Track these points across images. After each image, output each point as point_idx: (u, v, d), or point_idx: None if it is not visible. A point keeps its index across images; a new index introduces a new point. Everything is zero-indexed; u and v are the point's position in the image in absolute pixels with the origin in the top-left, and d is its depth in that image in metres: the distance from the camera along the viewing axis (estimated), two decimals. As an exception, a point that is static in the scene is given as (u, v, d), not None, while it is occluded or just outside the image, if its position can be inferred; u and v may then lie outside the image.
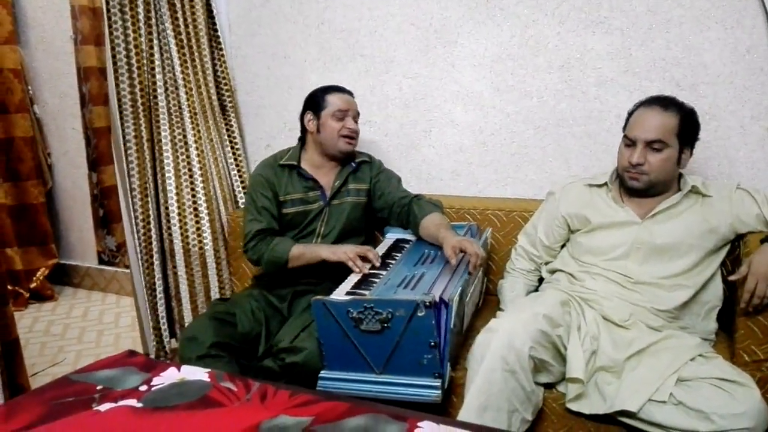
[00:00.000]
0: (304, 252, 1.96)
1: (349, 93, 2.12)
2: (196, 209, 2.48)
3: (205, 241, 2.50)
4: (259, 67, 2.69)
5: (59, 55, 3.35)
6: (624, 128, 1.78)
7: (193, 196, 2.48)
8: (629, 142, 1.73)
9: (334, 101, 2.06)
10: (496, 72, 2.26)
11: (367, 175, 2.15)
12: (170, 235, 2.47)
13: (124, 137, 2.36)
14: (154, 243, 2.46)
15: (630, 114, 1.78)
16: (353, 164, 2.13)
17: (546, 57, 2.17)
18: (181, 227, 2.46)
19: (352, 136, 2.06)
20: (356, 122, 2.09)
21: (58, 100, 3.43)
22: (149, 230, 2.44)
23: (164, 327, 2.53)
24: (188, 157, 2.47)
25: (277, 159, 2.12)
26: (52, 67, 3.40)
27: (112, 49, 2.29)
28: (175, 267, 2.50)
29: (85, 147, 3.40)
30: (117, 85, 2.32)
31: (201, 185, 2.48)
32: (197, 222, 2.49)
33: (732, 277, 1.64)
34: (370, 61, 2.46)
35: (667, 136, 1.67)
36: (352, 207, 2.10)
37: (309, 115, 2.09)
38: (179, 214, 2.45)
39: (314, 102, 2.09)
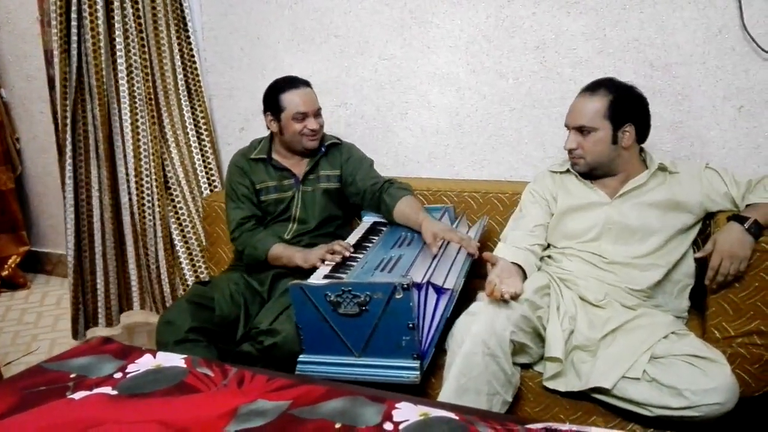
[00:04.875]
0: (282, 255, 1.97)
1: (305, 84, 2.07)
2: (140, 193, 2.53)
3: (148, 225, 2.55)
4: (231, 48, 2.64)
5: (25, 36, 3.25)
6: None
7: (139, 179, 2.52)
8: (567, 129, 1.80)
9: (292, 103, 2.00)
10: (471, 53, 2.25)
11: (338, 159, 2.14)
12: (120, 219, 2.57)
13: (71, 120, 2.41)
14: (107, 227, 2.54)
15: None
16: (322, 149, 2.12)
17: (521, 38, 2.17)
18: (131, 211, 2.53)
19: (316, 135, 2.05)
20: (319, 116, 2.06)
21: (26, 83, 3.34)
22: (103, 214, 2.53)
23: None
24: (146, 142, 2.49)
25: (250, 151, 2.13)
26: (18, 49, 3.30)
27: (60, 30, 2.28)
28: (123, 245, 2.61)
29: (54, 131, 3.31)
30: (62, 68, 2.32)
31: (153, 170, 2.50)
32: (150, 206, 2.53)
33: (697, 255, 1.68)
34: (345, 42, 2.43)
35: (593, 120, 1.71)
36: (325, 193, 2.10)
37: (269, 117, 2.06)
38: (138, 196, 2.51)
39: (271, 104, 2.04)
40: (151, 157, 2.48)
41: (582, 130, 1.73)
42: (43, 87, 3.26)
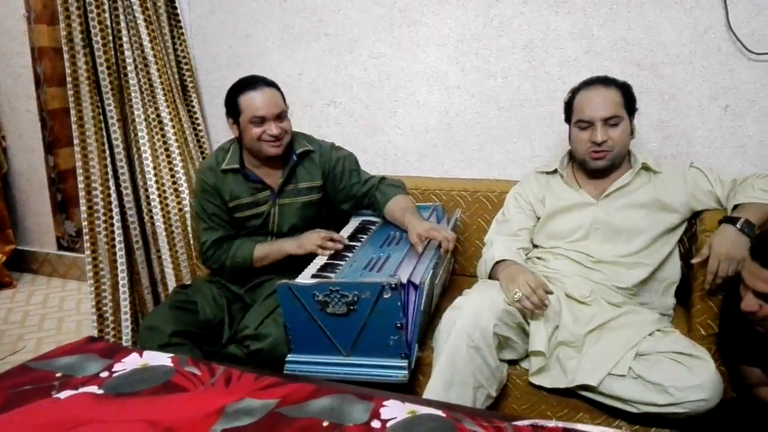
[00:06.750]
0: (269, 252, 1.92)
1: (267, 84, 1.85)
2: (176, 189, 2.44)
3: (189, 221, 2.45)
4: (220, 46, 2.63)
5: (11, 34, 3.22)
6: (568, 117, 1.82)
7: (173, 176, 2.43)
8: (585, 125, 1.74)
9: (248, 105, 1.80)
10: (460, 52, 2.26)
11: (316, 168, 1.98)
12: (151, 217, 2.43)
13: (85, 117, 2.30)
14: (132, 227, 2.42)
15: (569, 102, 1.81)
16: (294, 157, 1.94)
17: (510, 37, 2.17)
18: (162, 208, 2.42)
19: (277, 141, 1.85)
20: (282, 120, 1.85)
21: (12, 81, 3.31)
22: (130, 213, 2.41)
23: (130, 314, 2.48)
24: (164, 135, 2.42)
25: (219, 163, 1.92)
26: (4, 46, 3.27)
27: (68, 26, 2.22)
28: (159, 251, 2.46)
29: (41, 129, 3.30)
30: (74, 63, 2.25)
31: (180, 164, 2.43)
32: (179, 203, 2.44)
33: (694, 260, 1.64)
34: (334, 41, 2.43)
35: (618, 109, 1.72)
36: (305, 206, 1.99)
37: (230, 120, 1.88)
38: (159, 195, 2.41)
39: (230, 105, 1.86)
40: (176, 152, 2.42)
41: (610, 122, 1.72)
42: (29, 85, 3.25)
